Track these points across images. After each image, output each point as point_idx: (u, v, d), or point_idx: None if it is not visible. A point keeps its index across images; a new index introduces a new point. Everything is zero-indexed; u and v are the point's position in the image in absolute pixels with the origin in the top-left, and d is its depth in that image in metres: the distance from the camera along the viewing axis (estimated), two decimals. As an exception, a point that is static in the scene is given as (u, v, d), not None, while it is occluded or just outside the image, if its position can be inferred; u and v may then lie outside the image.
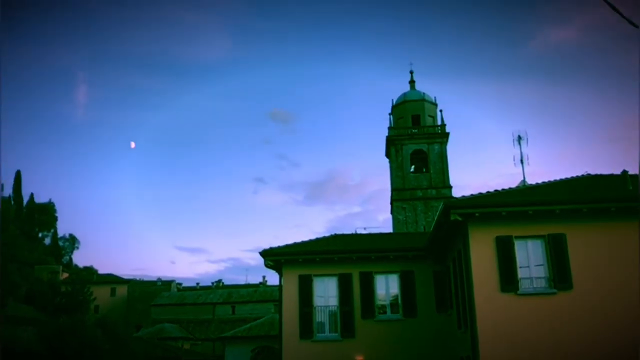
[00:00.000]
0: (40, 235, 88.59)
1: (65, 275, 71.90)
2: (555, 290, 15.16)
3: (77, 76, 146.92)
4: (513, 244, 15.65)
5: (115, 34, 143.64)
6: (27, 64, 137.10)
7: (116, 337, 29.17)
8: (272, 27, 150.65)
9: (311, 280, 20.93)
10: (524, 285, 15.37)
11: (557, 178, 18.53)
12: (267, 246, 21.64)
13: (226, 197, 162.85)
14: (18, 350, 25.20)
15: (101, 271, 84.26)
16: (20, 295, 51.73)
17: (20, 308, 46.79)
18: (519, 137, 21.42)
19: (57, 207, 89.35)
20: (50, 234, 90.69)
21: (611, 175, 18.63)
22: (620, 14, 6.61)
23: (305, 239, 22.91)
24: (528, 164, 21.30)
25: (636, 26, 6.74)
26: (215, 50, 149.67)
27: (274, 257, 21.31)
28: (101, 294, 67.81)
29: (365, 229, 44.76)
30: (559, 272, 15.25)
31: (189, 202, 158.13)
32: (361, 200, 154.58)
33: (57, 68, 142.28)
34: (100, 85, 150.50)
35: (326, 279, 21.01)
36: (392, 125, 48.38)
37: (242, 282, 74.39)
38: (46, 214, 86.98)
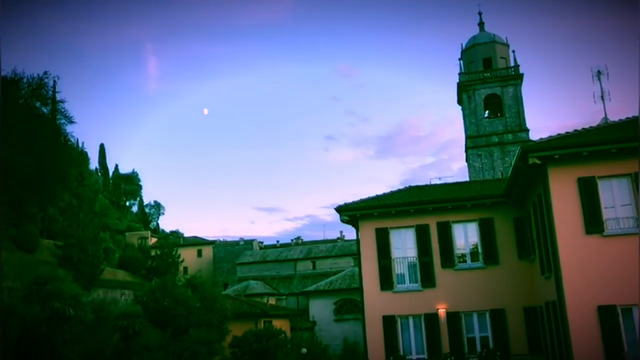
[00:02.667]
0: (127, 204, 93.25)
1: (154, 240, 75.61)
2: (644, 230, 14.52)
3: (147, 49, 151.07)
4: (596, 185, 15.09)
5: (179, 3, 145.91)
6: (100, 41, 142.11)
7: (206, 295, 30.53)
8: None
9: (388, 233, 21.05)
10: (610, 226, 14.84)
11: (643, 113, 17.43)
12: (341, 202, 21.87)
13: (299, 156, 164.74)
14: (117, 312, 27.00)
15: (186, 235, 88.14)
16: (114, 260, 55.07)
17: (115, 273, 49.90)
18: (599, 73, 20.35)
19: (140, 176, 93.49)
20: (136, 202, 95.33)
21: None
22: None
23: (380, 193, 22.96)
24: (609, 100, 20.28)
25: None
26: (278, 11, 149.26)
27: (349, 212, 21.52)
28: (188, 255, 70.97)
29: (440, 179, 44.15)
30: (648, 211, 14.57)
31: (264, 164, 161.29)
32: (434, 150, 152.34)
33: (127, 42, 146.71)
34: (168, 55, 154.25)
35: (403, 230, 21.07)
36: (462, 70, 46.93)
37: (320, 238, 75.81)
38: (131, 183, 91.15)
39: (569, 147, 15.14)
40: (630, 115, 17.21)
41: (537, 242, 18.10)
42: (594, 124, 18.03)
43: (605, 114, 20.29)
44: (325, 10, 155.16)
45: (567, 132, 16.18)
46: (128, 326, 24.33)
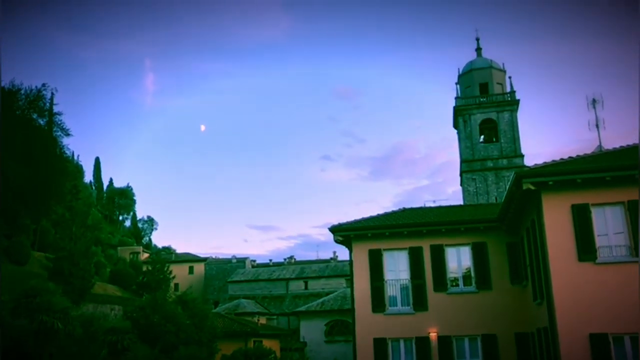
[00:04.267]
0: (120, 218, 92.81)
1: (146, 255, 75.12)
2: (637, 259, 14.51)
3: (145, 64, 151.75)
4: (590, 212, 15.12)
5: (176, 21, 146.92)
6: (99, 55, 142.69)
7: (196, 312, 30.26)
8: (329, 1, 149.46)
9: (381, 255, 21.00)
10: (602, 254, 14.85)
11: (637, 142, 17.54)
12: (336, 222, 21.86)
13: (295, 176, 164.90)
14: (106, 327, 26.71)
15: (179, 251, 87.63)
16: (105, 275, 54.66)
17: (106, 287, 49.52)
18: (594, 100, 20.48)
19: (134, 190, 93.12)
20: (129, 216, 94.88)
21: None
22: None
23: (374, 214, 22.96)
24: (604, 128, 20.39)
25: None
26: (275, 31, 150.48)
27: (343, 232, 21.48)
28: (180, 272, 70.49)
29: (434, 202, 44.25)
30: (641, 240, 14.60)
31: (259, 182, 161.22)
32: (429, 173, 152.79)
33: (125, 57, 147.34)
34: (166, 71, 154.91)
35: (396, 252, 21.02)
36: (459, 95, 47.32)
37: (313, 258, 75.47)
38: (125, 197, 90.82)
39: (563, 174, 15.22)
40: (624, 144, 17.36)
41: (529, 268, 18.09)
42: (588, 152, 18.16)
43: (600, 142, 20.41)
44: (322, 31, 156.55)
45: (561, 159, 16.28)
46: (117, 341, 24.05)
